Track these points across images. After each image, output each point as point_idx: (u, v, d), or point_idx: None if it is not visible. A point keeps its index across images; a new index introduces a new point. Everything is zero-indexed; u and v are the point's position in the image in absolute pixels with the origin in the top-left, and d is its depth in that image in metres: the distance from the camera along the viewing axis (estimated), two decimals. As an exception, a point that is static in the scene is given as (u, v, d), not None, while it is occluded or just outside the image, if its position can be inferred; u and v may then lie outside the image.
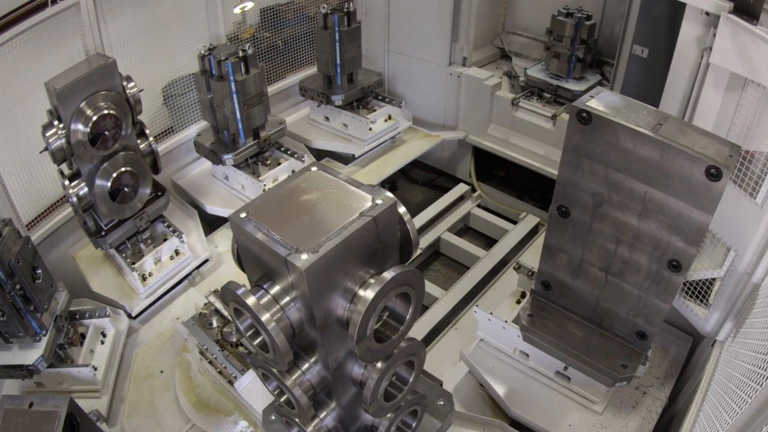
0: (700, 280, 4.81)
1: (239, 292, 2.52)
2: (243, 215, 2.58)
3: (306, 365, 2.95)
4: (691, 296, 4.96)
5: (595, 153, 3.76)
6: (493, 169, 9.62)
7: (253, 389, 5.00)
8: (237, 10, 8.00)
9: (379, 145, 8.55)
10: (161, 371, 5.76)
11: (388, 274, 2.53)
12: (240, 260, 2.88)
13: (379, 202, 2.61)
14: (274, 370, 2.91)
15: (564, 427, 4.79)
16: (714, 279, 4.73)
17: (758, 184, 4.07)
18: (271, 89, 8.67)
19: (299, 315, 2.62)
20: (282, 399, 3.16)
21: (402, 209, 2.84)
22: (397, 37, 9.34)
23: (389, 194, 2.68)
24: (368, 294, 2.49)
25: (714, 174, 3.35)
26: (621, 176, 3.74)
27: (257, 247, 2.54)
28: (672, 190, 3.58)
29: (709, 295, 4.81)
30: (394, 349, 2.92)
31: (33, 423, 3.25)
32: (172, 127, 7.81)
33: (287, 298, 2.57)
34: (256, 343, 2.78)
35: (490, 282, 6.63)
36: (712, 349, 4.72)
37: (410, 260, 3.06)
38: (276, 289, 2.59)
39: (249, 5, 8.10)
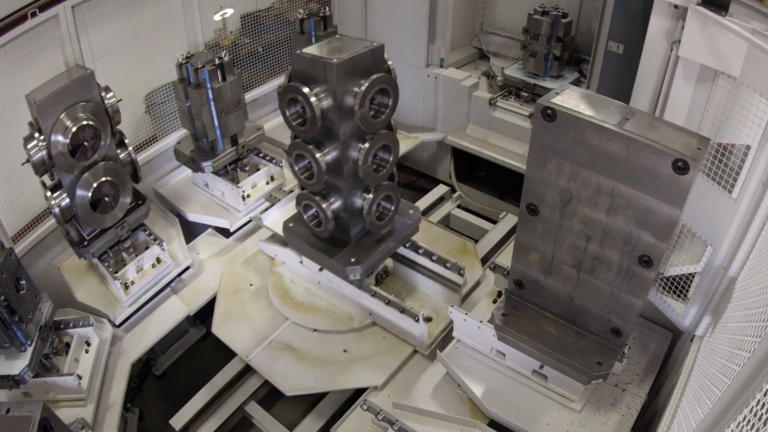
0: (680, 276, 4.79)
1: (304, 90, 4.55)
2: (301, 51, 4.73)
3: (327, 149, 4.95)
4: (670, 291, 4.94)
5: (561, 150, 3.74)
6: (474, 170, 9.60)
7: (275, 221, 6.64)
8: (217, 17, 7.95)
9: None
10: (251, 285, 6.65)
11: (375, 75, 4.71)
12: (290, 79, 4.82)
13: (374, 43, 4.80)
14: (309, 146, 4.92)
15: (542, 426, 4.75)
16: (694, 274, 4.70)
17: (734, 179, 4.05)
18: (252, 94, 8.68)
19: (328, 104, 4.65)
20: (304, 176, 5.16)
21: (390, 62, 5.06)
22: (374, 40, 9.25)
23: (380, 43, 4.85)
24: (365, 84, 4.64)
25: (681, 167, 3.33)
26: (588, 172, 3.72)
27: (308, 63, 4.61)
28: (639, 185, 3.57)
29: (689, 291, 4.79)
30: (380, 130, 5.06)
31: (9, 428, 3.45)
32: (155, 136, 7.78)
33: (323, 95, 4.61)
34: (296, 124, 4.85)
35: (470, 282, 6.60)
36: (691, 344, 4.70)
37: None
38: (316, 89, 4.61)
39: (229, 12, 8.05)
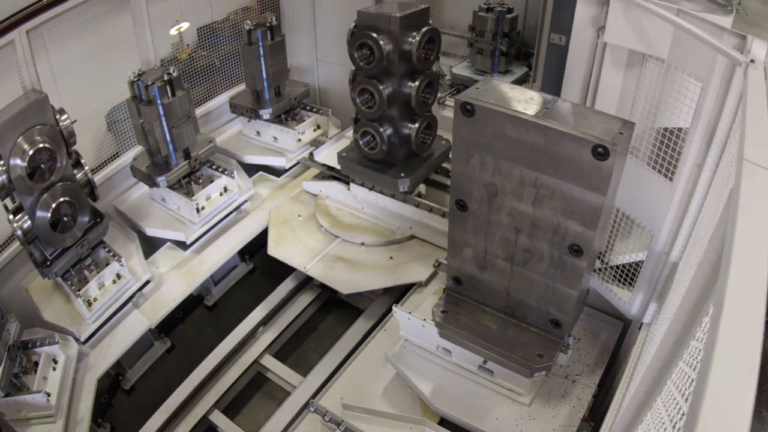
0: (628, 264, 4.80)
1: (374, 35, 5.77)
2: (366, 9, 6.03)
3: (386, 84, 6.08)
4: (619, 281, 4.95)
5: (483, 144, 3.74)
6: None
7: (328, 157, 7.95)
8: (173, 31, 7.90)
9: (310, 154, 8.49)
10: (299, 216, 7.76)
11: (425, 27, 5.94)
12: (353, 35, 6.05)
13: (421, 5, 6.04)
14: (373, 81, 6.08)
15: (491, 421, 4.74)
16: (641, 262, 4.70)
17: (669, 163, 4.06)
18: (208, 107, 8.69)
19: (390, 48, 5.86)
20: (365, 106, 6.33)
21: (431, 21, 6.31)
22: (324, 47, 9.32)
23: (426, 5, 6.20)
24: (420, 33, 5.89)
25: (601, 153, 3.34)
26: (510, 165, 3.72)
27: (373, 17, 5.83)
28: (562, 174, 3.57)
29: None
30: (426, 70, 6.28)
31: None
32: (117, 153, 7.75)
33: (387, 40, 5.82)
34: (362, 63, 6.04)
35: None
36: (639, 332, 4.71)
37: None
38: (381, 36, 5.77)
39: (185, 25, 8.01)
